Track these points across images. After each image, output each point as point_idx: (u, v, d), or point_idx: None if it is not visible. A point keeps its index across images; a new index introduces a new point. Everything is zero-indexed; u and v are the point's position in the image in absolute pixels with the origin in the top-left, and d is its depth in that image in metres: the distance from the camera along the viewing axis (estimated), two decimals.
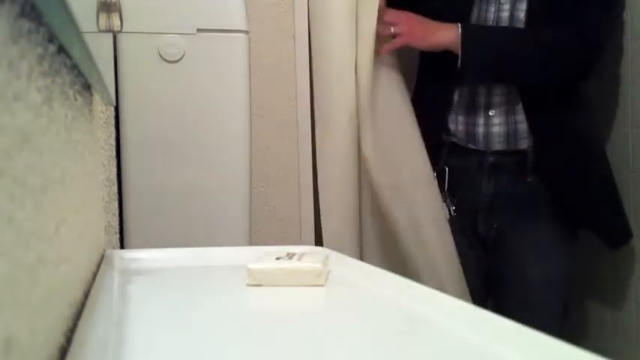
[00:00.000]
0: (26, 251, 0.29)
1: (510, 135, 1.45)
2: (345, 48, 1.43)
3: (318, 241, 1.49)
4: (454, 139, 1.52)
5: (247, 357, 0.39)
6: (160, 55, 1.04)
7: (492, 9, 1.45)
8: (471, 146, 1.49)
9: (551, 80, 1.44)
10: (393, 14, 1.44)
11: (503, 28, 1.44)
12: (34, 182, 0.32)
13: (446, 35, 1.40)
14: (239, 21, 1.09)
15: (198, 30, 1.06)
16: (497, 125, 1.45)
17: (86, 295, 0.52)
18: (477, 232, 1.54)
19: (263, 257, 0.63)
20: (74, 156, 0.49)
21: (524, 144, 1.44)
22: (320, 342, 0.44)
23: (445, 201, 1.51)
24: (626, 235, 1.56)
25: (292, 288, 0.59)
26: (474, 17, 1.48)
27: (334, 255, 0.71)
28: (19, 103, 0.29)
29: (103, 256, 0.72)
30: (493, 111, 1.45)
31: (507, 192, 1.47)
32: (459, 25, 1.40)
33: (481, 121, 1.47)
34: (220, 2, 1.09)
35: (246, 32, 1.09)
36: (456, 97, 1.50)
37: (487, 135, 1.46)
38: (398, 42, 1.43)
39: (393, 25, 1.43)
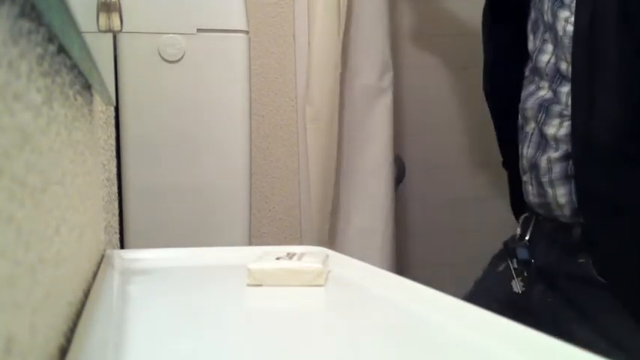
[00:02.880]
0: (26, 251, 0.29)
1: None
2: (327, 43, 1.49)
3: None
4: None
5: (247, 357, 0.39)
6: (160, 55, 1.05)
7: None
8: None
9: None
10: None
11: None
12: (34, 182, 0.32)
13: None
14: (239, 21, 1.09)
15: (198, 30, 1.06)
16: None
17: (86, 295, 0.52)
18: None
19: (263, 257, 0.63)
20: (74, 156, 0.49)
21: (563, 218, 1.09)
22: (320, 342, 0.44)
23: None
24: None
25: (292, 288, 0.59)
26: None
27: (334, 255, 0.71)
28: (19, 103, 0.29)
29: (103, 256, 0.72)
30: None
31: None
32: None
33: None
34: (220, 2, 1.09)
35: (246, 32, 1.09)
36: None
37: None
38: None
39: None
